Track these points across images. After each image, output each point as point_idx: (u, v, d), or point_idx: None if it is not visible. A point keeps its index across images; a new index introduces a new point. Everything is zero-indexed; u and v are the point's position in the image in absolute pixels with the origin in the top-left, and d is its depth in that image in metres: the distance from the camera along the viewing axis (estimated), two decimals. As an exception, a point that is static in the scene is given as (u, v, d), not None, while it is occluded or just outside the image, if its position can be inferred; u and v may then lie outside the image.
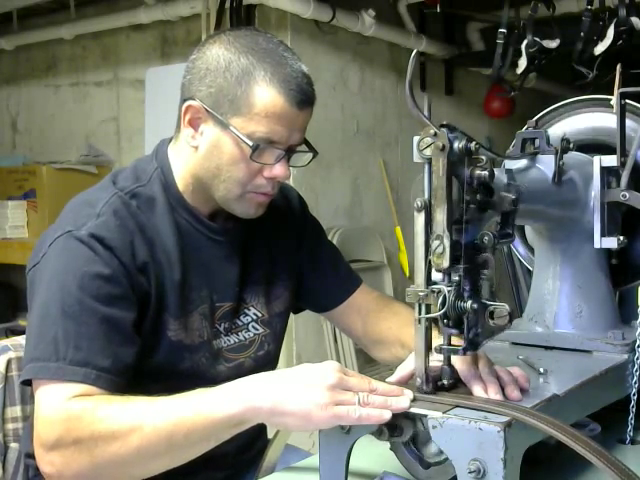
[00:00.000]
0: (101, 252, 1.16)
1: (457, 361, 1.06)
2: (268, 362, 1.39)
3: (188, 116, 1.23)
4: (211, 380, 1.20)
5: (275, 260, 1.40)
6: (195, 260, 1.27)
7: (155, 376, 1.22)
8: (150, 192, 1.26)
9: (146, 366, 1.20)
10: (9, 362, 1.48)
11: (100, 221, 1.19)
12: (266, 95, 1.18)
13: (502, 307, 0.99)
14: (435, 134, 0.98)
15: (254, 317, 1.36)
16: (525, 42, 3.26)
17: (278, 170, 1.23)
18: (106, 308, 1.13)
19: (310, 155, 1.31)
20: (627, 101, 1.38)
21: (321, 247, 1.52)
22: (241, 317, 1.35)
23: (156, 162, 1.30)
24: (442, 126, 0.98)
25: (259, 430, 1.41)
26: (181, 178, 1.28)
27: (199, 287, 1.27)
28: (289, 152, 1.24)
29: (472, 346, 1.00)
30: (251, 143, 1.18)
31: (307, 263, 1.47)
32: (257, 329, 1.37)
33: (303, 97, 1.21)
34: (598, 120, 1.49)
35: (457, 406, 0.99)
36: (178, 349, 1.24)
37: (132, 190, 1.25)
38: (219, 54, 1.21)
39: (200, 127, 1.23)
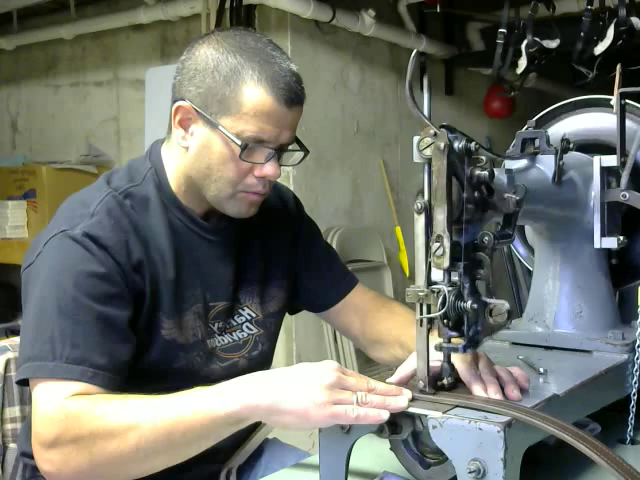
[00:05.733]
0: (96, 251, 1.16)
1: (457, 361, 1.06)
2: (262, 362, 1.39)
3: (178, 117, 1.23)
4: (205, 379, 1.20)
5: (270, 260, 1.40)
6: (189, 259, 1.27)
7: (149, 375, 1.22)
8: (144, 192, 1.26)
9: (140, 365, 1.20)
10: (8, 362, 1.48)
11: (94, 220, 1.19)
12: (254, 94, 1.18)
13: (501, 304, 0.99)
14: (435, 134, 0.98)
15: (248, 317, 1.36)
16: (525, 42, 3.26)
17: (268, 169, 1.23)
18: (102, 306, 1.14)
19: (301, 154, 1.31)
20: (627, 101, 1.38)
21: (316, 247, 1.52)
22: (235, 317, 1.35)
23: (150, 162, 1.30)
24: (442, 127, 0.98)
25: (254, 425, 1.40)
26: (174, 178, 1.28)
27: (193, 286, 1.27)
28: (279, 151, 1.24)
29: (472, 344, 1.00)
30: (240, 142, 1.18)
31: (302, 263, 1.47)
32: (251, 329, 1.37)
33: (292, 95, 1.20)
34: (598, 120, 1.48)
35: (457, 406, 0.99)
36: (172, 348, 1.24)
37: (126, 190, 1.25)
38: (207, 54, 1.21)
39: (190, 128, 1.23)
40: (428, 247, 0.99)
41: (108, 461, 1.05)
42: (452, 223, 0.98)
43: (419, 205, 0.99)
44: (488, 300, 1.00)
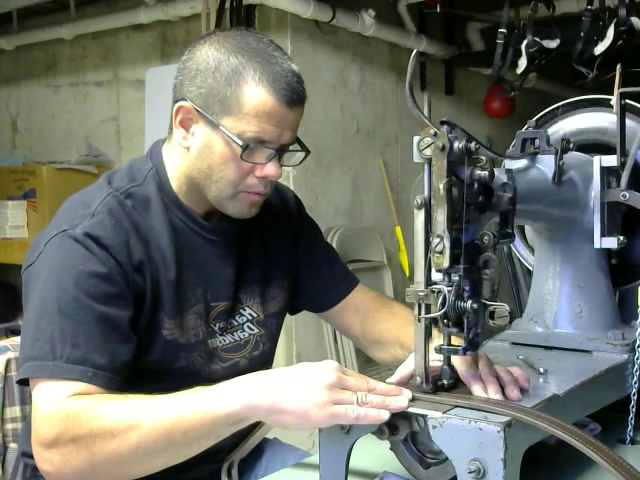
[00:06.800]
0: (97, 251, 1.16)
1: (457, 361, 1.06)
2: (263, 362, 1.39)
3: (179, 117, 1.24)
4: (206, 379, 1.20)
5: (271, 260, 1.40)
6: (190, 259, 1.27)
7: (150, 375, 1.22)
8: (145, 192, 1.26)
9: (141, 365, 1.20)
10: (8, 362, 1.48)
11: (95, 220, 1.19)
12: (256, 94, 1.18)
13: (502, 307, 0.99)
14: (435, 134, 0.98)
15: (249, 317, 1.36)
16: (525, 42, 3.26)
17: (269, 169, 1.23)
18: (102, 306, 1.14)
19: (302, 154, 1.31)
20: (627, 101, 1.38)
21: (317, 247, 1.52)
22: (236, 317, 1.35)
23: (151, 162, 1.30)
24: (442, 122, 0.98)
25: (254, 425, 1.41)
26: (175, 179, 1.28)
27: (194, 286, 1.27)
28: (280, 151, 1.24)
29: (472, 346, 1.00)
30: (241, 143, 1.18)
31: (303, 263, 1.47)
32: (252, 329, 1.37)
33: (293, 96, 1.21)
34: (598, 120, 1.49)
35: (457, 406, 0.99)
36: (173, 348, 1.24)
37: (127, 190, 1.25)
38: (209, 54, 1.21)
39: (191, 128, 1.24)
40: (428, 243, 0.99)
41: (108, 461, 1.05)
42: (452, 223, 0.98)
43: (419, 201, 0.99)
44: (488, 302, 1.00)
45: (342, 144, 3.84)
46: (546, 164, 1.27)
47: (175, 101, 1.25)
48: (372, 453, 1.13)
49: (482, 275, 1.01)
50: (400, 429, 1.01)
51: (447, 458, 0.98)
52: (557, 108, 1.55)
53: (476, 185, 1.01)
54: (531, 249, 1.56)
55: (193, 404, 1.04)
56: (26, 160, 4.40)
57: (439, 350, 1.02)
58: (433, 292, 0.99)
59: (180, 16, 3.73)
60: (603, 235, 1.33)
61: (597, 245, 1.33)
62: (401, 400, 1.00)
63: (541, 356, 1.30)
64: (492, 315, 1.00)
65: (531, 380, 1.10)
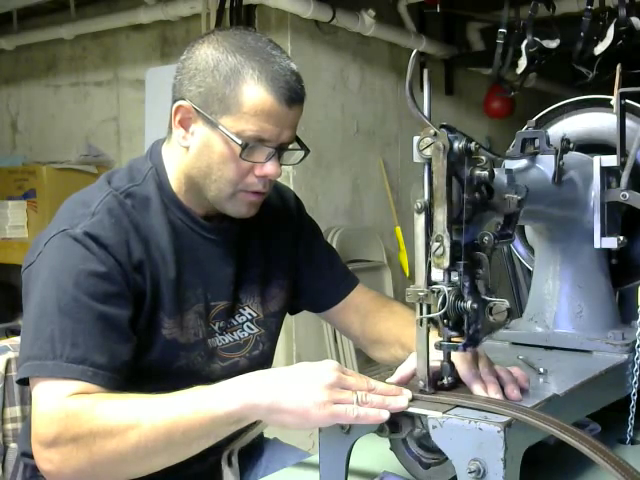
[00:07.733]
0: (96, 250, 1.16)
1: (457, 360, 1.06)
2: (263, 361, 1.39)
3: (178, 116, 1.24)
4: (205, 379, 1.20)
5: (271, 260, 1.40)
6: (190, 259, 1.27)
7: (149, 374, 1.23)
8: (145, 192, 1.26)
9: (141, 364, 1.20)
10: (8, 362, 1.48)
11: (95, 220, 1.19)
12: (255, 93, 1.18)
13: (501, 303, 0.99)
14: (435, 134, 0.98)
15: (249, 317, 1.36)
16: (525, 42, 3.26)
17: (269, 168, 1.23)
18: (102, 305, 1.14)
19: (302, 153, 1.31)
20: (627, 101, 1.38)
21: (317, 247, 1.52)
22: (236, 316, 1.35)
23: (150, 162, 1.30)
24: (442, 127, 0.98)
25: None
26: (175, 178, 1.28)
27: (194, 286, 1.27)
28: (280, 150, 1.24)
29: (472, 342, 1.00)
30: (240, 142, 1.19)
31: (303, 263, 1.47)
32: (252, 329, 1.37)
33: (292, 95, 1.21)
34: (598, 120, 1.49)
35: (457, 406, 0.99)
36: (173, 347, 1.24)
37: (127, 189, 1.25)
38: (207, 54, 1.21)
39: (190, 127, 1.24)
40: (428, 247, 0.99)
41: (108, 460, 1.05)
42: (452, 223, 0.98)
43: (419, 205, 1.00)
44: (488, 298, 1.00)
45: (342, 144, 3.84)
46: (546, 164, 1.27)
47: (174, 101, 1.25)
48: (372, 453, 1.13)
49: (475, 275, 1.01)
50: (402, 427, 1.01)
51: (447, 458, 0.98)
52: (557, 108, 1.55)
53: (476, 185, 1.01)
54: (531, 249, 1.56)
55: (193, 404, 1.04)
56: (26, 160, 4.40)
57: (439, 346, 1.02)
58: (433, 292, 0.99)
59: (180, 16, 3.73)
60: (603, 235, 1.33)
61: (597, 245, 1.33)
62: (401, 400, 1.00)
63: (541, 356, 1.30)
64: (491, 311, 1.00)
65: (531, 380, 1.10)
